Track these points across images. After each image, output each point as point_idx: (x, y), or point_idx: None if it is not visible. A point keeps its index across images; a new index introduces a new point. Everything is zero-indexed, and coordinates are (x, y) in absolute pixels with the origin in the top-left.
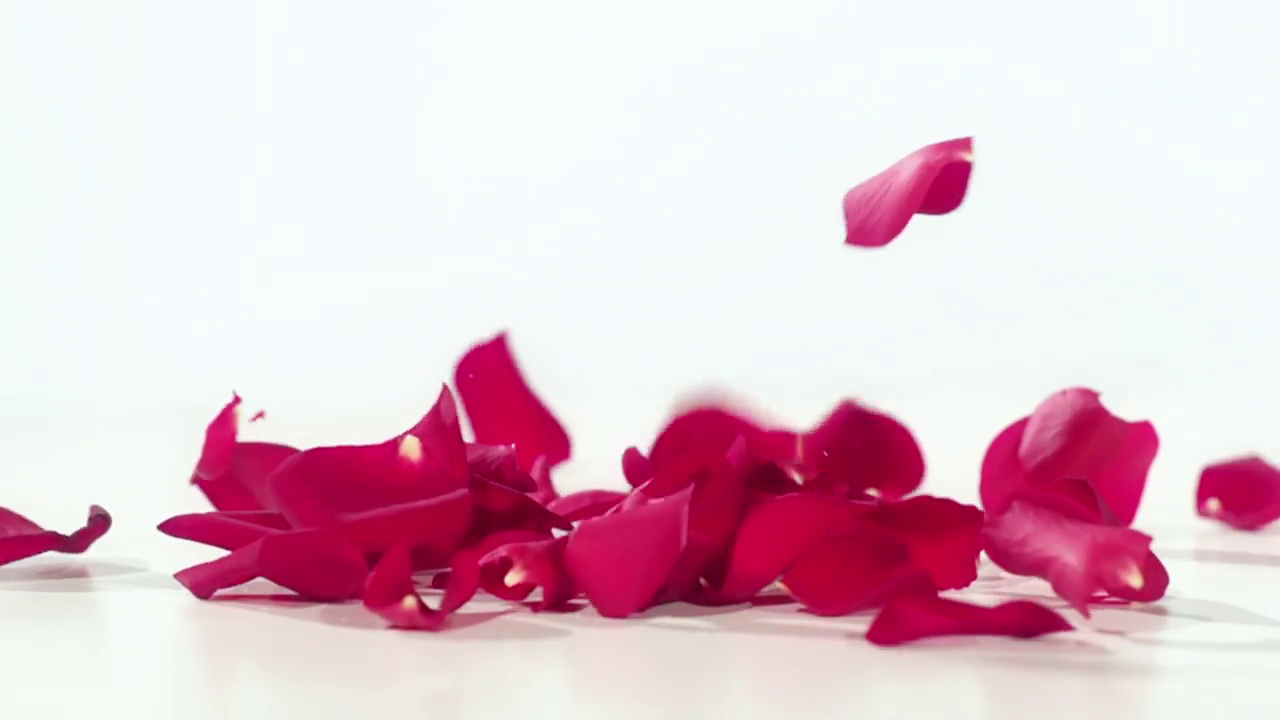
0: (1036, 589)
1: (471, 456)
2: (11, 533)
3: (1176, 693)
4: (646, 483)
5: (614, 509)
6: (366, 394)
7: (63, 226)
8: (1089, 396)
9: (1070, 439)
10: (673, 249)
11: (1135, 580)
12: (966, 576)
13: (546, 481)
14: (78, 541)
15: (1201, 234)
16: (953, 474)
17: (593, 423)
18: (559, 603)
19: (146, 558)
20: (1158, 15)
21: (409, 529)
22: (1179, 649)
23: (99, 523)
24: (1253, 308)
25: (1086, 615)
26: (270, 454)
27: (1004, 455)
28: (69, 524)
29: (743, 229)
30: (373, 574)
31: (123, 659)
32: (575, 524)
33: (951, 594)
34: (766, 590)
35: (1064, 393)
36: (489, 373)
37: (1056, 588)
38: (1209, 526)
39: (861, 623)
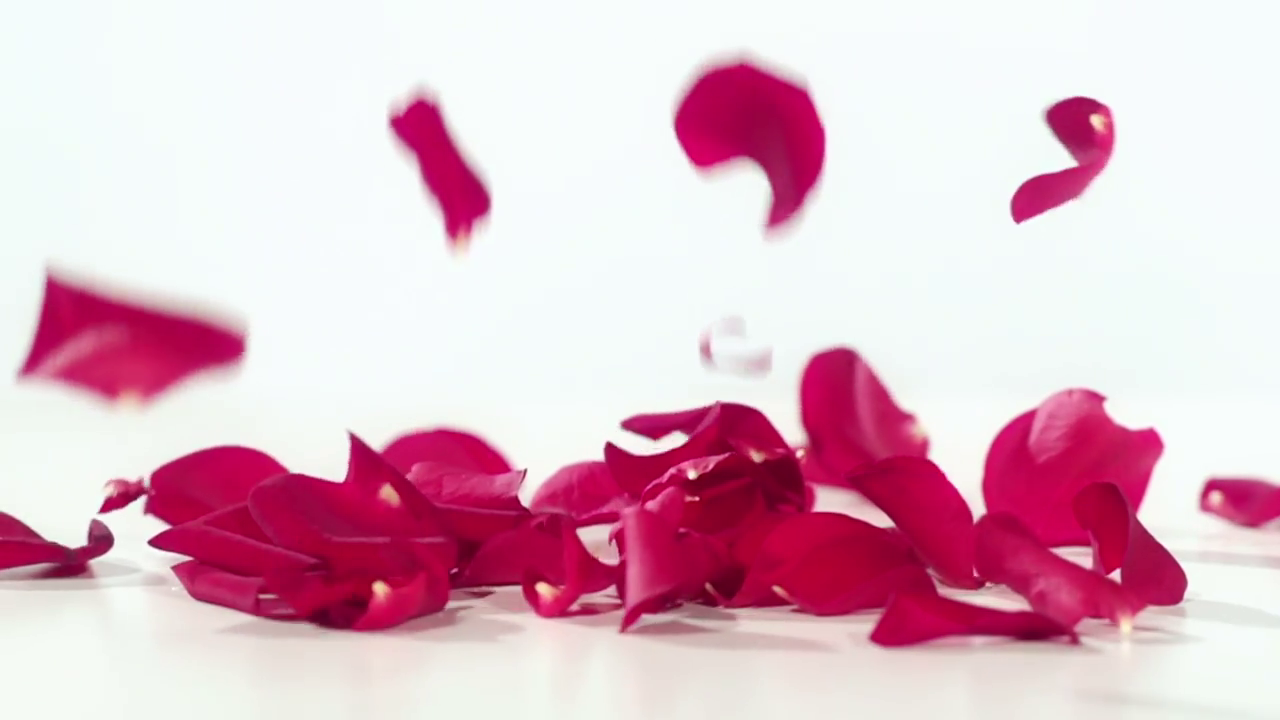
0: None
1: (461, 487)
2: (15, 538)
3: (1179, 692)
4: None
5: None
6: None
7: (61, 226)
8: (1094, 401)
9: (1074, 442)
10: (674, 249)
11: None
12: (968, 576)
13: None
14: (78, 557)
15: (1201, 234)
16: (955, 472)
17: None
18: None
19: (140, 559)
20: (1157, 16)
21: (393, 561)
22: (1184, 649)
23: (100, 543)
24: (1255, 308)
25: (1076, 640)
26: (218, 458)
27: (1008, 450)
28: (65, 522)
29: (744, 229)
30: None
31: (121, 659)
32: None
33: (955, 594)
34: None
35: (1070, 393)
36: (422, 130)
37: (1039, 604)
38: (1213, 524)
39: (863, 623)
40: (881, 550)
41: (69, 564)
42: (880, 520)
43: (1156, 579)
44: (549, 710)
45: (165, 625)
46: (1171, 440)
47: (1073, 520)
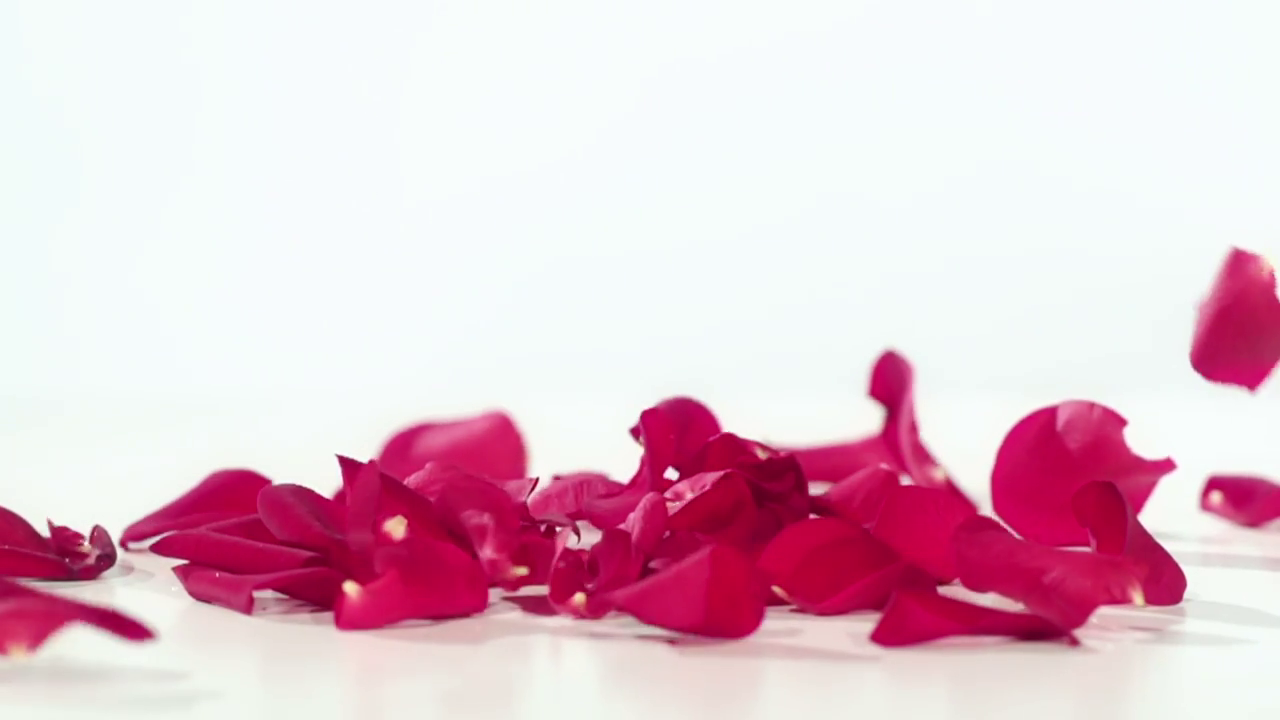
0: None
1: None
2: (22, 547)
3: (1179, 692)
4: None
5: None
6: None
7: (54, 225)
8: (1115, 425)
9: (1086, 459)
10: (675, 249)
11: (1138, 598)
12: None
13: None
14: (80, 575)
15: (1202, 234)
16: (960, 470)
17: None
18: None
19: (140, 559)
20: (1157, 17)
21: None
22: (1185, 649)
23: (103, 560)
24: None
25: (1076, 642)
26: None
27: (1020, 447)
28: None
29: (743, 230)
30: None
31: (121, 658)
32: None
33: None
34: None
35: (1091, 406)
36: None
37: (1042, 602)
38: (1213, 524)
39: (863, 623)
40: (880, 552)
41: (71, 578)
42: None
43: (1156, 579)
44: (547, 710)
45: (165, 625)
46: (1171, 440)
47: (1071, 524)
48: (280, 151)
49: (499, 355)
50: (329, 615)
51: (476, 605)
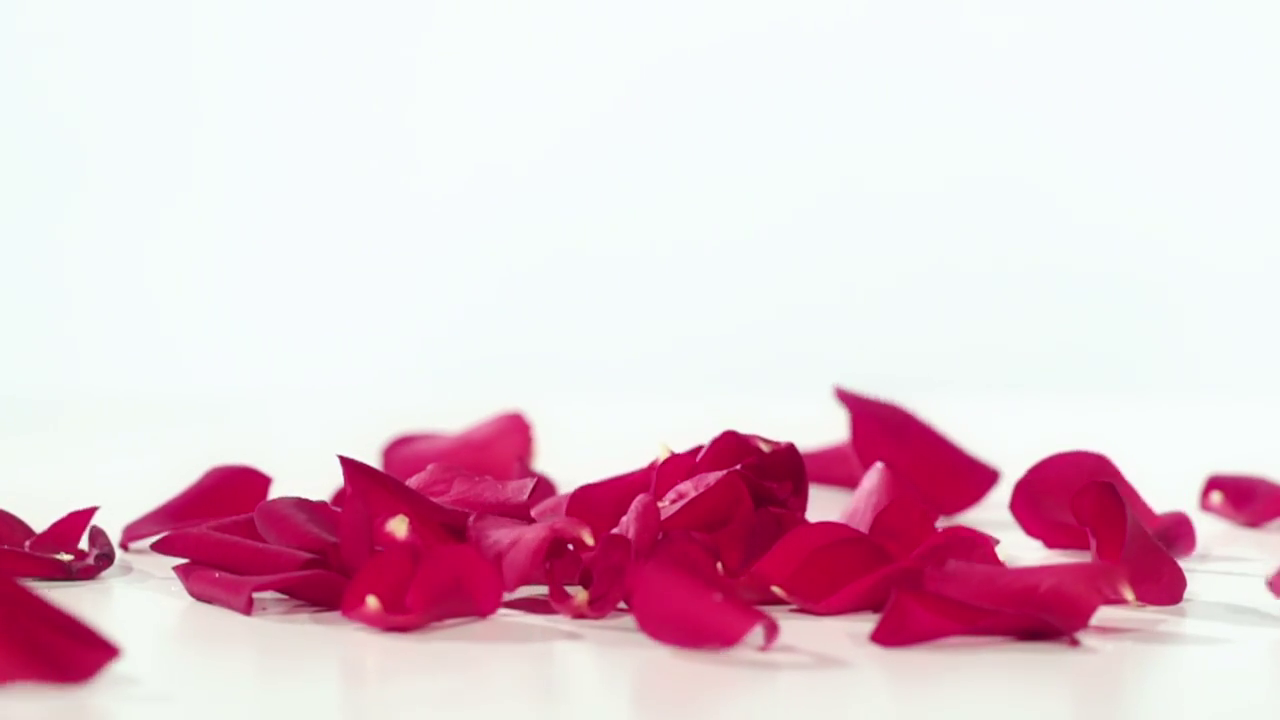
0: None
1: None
2: (21, 547)
3: (1179, 692)
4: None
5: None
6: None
7: (54, 224)
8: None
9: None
10: (678, 249)
11: (1129, 595)
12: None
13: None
14: (79, 575)
15: (1202, 234)
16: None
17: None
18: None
19: (140, 559)
20: (1156, 18)
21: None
22: (1185, 649)
23: (102, 560)
24: (1255, 307)
25: (1076, 642)
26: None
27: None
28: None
29: (745, 231)
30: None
31: (121, 658)
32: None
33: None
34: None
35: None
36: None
37: (1044, 609)
38: (1213, 524)
39: (863, 623)
40: (878, 553)
41: (70, 578)
42: None
43: (1156, 579)
44: (546, 710)
45: (165, 625)
46: (1171, 440)
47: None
48: (281, 152)
49: (498, 355)
50: (329, 615)
51: (490, 609)
